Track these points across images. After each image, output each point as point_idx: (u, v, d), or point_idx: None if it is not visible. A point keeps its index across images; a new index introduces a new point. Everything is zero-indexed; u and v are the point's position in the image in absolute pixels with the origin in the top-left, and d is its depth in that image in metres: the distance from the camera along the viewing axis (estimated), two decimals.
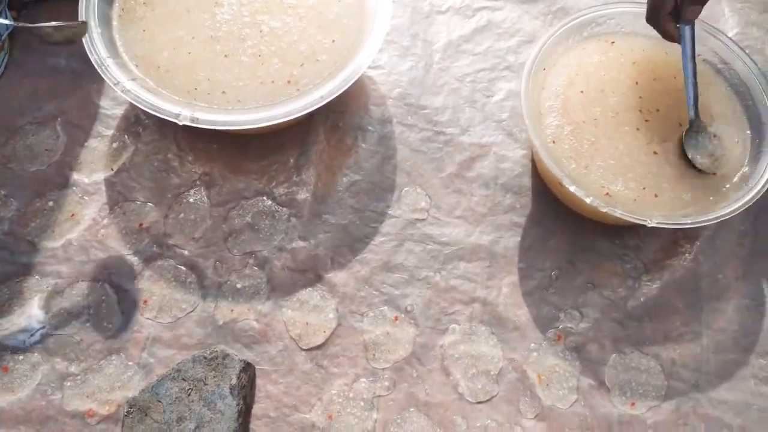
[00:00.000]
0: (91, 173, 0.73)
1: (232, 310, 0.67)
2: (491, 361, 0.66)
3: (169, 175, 0.74)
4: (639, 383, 0.66)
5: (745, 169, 0.68)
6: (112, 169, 0.74)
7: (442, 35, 0.83)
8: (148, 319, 0.67)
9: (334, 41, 0.71)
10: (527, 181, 0.75)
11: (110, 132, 0.76)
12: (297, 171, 0.74)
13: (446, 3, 0.86)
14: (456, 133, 0.77)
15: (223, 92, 0.68)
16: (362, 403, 0.64)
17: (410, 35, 0.83)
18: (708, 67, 0.74)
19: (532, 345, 0.67)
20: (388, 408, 0.64)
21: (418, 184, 0.74)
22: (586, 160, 0.67)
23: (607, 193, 0.66)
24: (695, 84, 0.67)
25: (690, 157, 0.67)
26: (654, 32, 0.69)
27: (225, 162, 0.74)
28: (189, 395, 0.60)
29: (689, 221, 0.63)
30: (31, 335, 0.65)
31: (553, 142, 0.68)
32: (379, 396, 0.64)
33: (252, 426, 0.63)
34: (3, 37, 0.77)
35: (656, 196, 0.66)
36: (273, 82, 0.69)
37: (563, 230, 0.72)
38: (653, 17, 0.68)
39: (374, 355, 0.66)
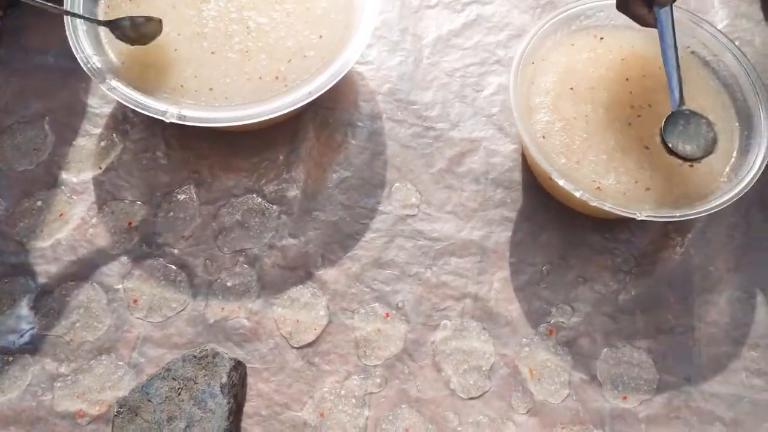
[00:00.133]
0: (80, 172, 0.73)
1: (222, 309, 0.67)
2: (483, 357, 0.66)
3: (158, 173, 0.73)
4: (631, 377, 0.66)
5: (735, 161, 0.68)
6: (100, 168, 0.73)
7: (432, 30, 0.83)
8: (138, 318, 0.66)
9: (321, 37, 0.71)
10: (518, 175, 0.75)
11: (98, 130, 0.75)
12: (287, 168, 0.74)
13: None
14: (446, 128, 0.77)
15: (211, 89, 0.68)
16: (354, 401, 0.64)
17: (399, 30, 0.83)
18: (696, 59, 0.73)
19: (524, 340, 0.67)
20: (380, 405, 0.64)
21: (409, 180, 0.74)
22: (578, 155, 0.67)
23: (599, 188, 0.66)
24: (678, 70, 0.64)
25: (671, 145, 0.63)
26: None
27: (214, 160, 0.74)
28: (179, 394, 0.60)
29: (679, 214, 0.63)
30: (21, 336, 0.65)
31: (544, 137, 0.68)
32: (371, 393, 0.64)
33: (243, 424, 0.62)
34: None
35: (648, 189, 0.66)
36: (260, 78, 0.68)
37: (554, 225, 0.72)
38: (622, 2, 0.66)
39: (365, 352, 0.66)
